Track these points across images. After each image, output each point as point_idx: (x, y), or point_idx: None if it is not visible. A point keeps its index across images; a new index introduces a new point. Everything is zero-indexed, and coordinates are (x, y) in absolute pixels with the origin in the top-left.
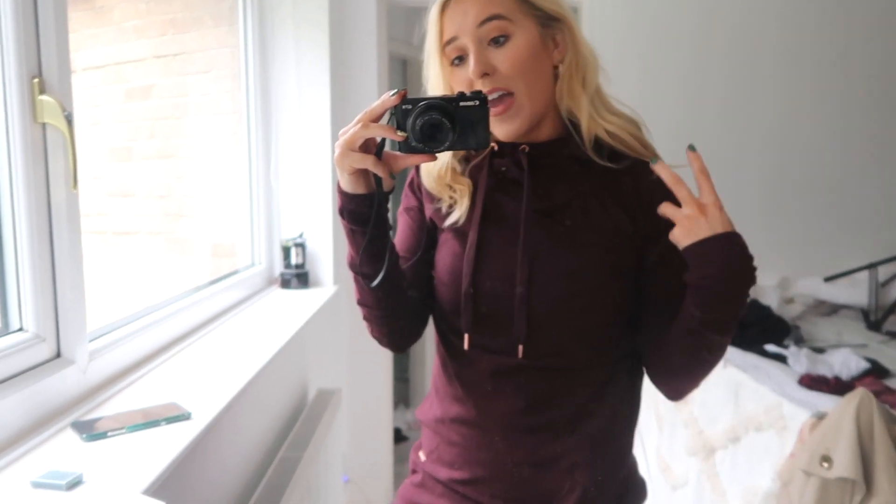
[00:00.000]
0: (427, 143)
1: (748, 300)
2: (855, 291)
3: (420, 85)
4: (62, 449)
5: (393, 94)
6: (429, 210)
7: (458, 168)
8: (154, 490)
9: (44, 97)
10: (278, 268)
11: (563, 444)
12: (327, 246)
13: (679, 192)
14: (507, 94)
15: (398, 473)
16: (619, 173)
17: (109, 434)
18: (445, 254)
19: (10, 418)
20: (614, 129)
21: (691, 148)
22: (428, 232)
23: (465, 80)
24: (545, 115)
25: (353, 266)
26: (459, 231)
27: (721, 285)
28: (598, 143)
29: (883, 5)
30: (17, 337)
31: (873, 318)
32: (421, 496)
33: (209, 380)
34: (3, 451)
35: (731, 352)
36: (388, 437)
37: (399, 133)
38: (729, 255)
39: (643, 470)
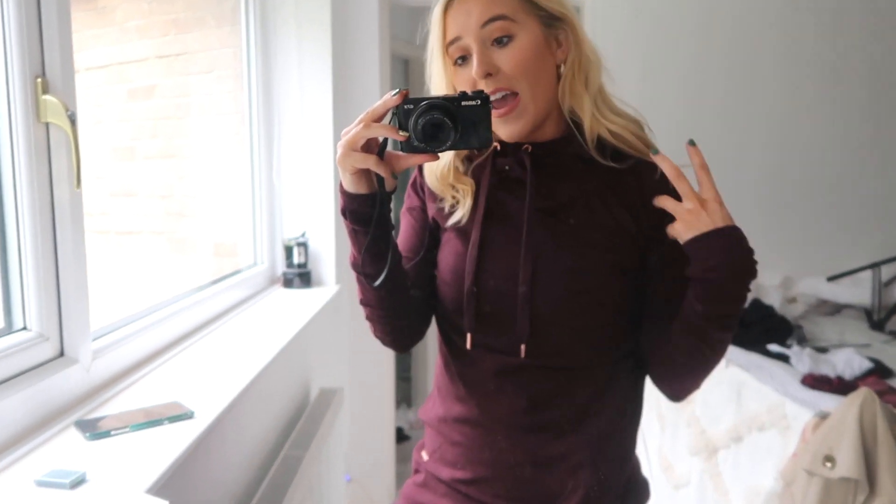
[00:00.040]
0: (429, 142)
1: (750, 298)
2: (858, 291)
3: (422, 84)
4: (66, 448)
5: (394, 94)
6: (431, 210)
7: (462, 168)
8: (157, 489)
9: (47, 97)
10: (280, 267)
11: (565, 443)
12: (329, 245)
13: (680, 187)
14: (511, 95)
15: (400, 473)
16: (623, 173)
17: (113, 433)
18: (448, 253)
19: (14, 417)
20: (617, 128)
21: (691, 143)
22: (430, 232)
23: (468, 80)
24: (548, 114)
25: (355, 266)
26: (462, 230)
27: (722, 278)
28: (601, 143)
29: (883, 4)
30: (21, 336)
31: (876, 318)
32: (423, 496)
33: (212, 379)
34: (7, 450)
35: (734, 351)
36: (391, 436)
37: (401, 133)
38: (730, 248)
39: (645, 469)
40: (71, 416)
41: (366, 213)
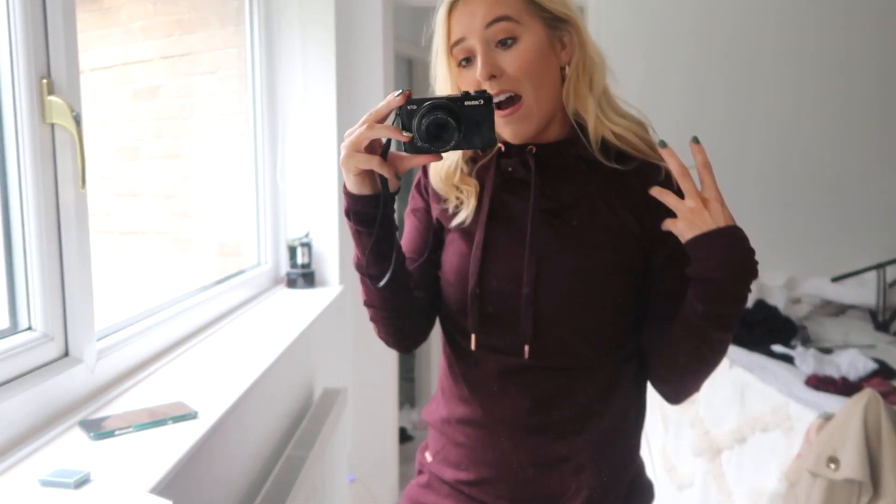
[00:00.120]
0: (432, 142)
1: (754, 298)
2: (862, 292)
3: (426, 85)
4: (70, 447)
5: (398, 95)
6: (435, 211)
7: (466, 169)
8: (161, 489)
9: (52, 98)
10: (284, 267)
11: (569, 444)
12: (333, 246)
13: (684, 184)
14: (515, 97)
15: (403, 473)
16: (627, 174)
17: (117, 433)
18: (452, 254)
19: (19, 417)
20: (621, 130)
21: (695, 140)
22: (434, 233)
23: (472, 81)
24: (553, 116)
25: (359, 267)
26: (466, 231)
27: (723, 278)
28: (605, 145)
29: (885, 3)
30: (26, 336)
31: (881, 319)
32: (427, 497)
33: (216, 379)
34: (11, 450)
35: (738, 352)
36: (394, 436)
37: (404, 133)
38: (731, 248)
39: (649, 470)
40: (75, 416)
41: (369, 214)
